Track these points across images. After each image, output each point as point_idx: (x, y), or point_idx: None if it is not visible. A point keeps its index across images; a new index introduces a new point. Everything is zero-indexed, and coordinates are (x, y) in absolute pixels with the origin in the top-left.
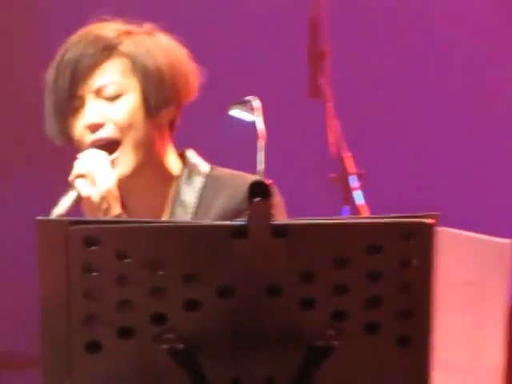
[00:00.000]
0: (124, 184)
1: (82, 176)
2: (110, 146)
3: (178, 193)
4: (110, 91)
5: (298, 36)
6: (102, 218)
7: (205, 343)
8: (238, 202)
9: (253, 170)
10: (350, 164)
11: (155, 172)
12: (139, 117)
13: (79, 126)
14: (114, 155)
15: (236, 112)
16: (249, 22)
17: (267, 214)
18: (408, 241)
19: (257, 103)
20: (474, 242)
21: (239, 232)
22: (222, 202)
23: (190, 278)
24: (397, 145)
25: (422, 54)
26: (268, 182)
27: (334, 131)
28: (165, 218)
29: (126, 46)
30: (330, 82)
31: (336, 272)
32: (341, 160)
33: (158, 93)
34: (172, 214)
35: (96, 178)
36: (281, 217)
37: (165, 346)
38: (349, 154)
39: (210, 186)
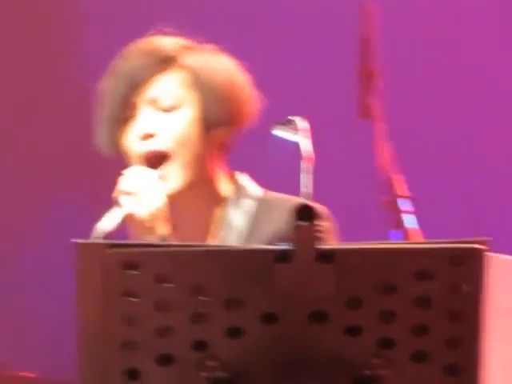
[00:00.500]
0: (171, 201)
1: (127, 193)
2: (159, 158)
3: (226, 215)
4: (165, 102)
5: (347, 54)
6: (145, 238)
7: (247, 371)
8: (290, 226)
9: (296, 193)
10: (400, 187)
11: (204, 191)
12: (193, 132)
13: (131, 135)
14: (163, 169)
15: (279, 132)
16: (298, 39)
17: (312, 238)
18: (458, 267)
19: (301, 123)
20: None
21: (284, 256)
22: (274, 226)
23: (232, 304)
24: (450, 168)
25: (478, 77)
26: (319, 206)
27: (384, 153)
28: (212, 240)
29: (187, 59)
30: (380, 103)
31: (383, 298)
32: (391, 183)
33: (216, 110)
34: (220, 236)
35: (142, 195)
36: (332, 242)
37: (205, 374)
38: (400, 177)
39: (262, 209)
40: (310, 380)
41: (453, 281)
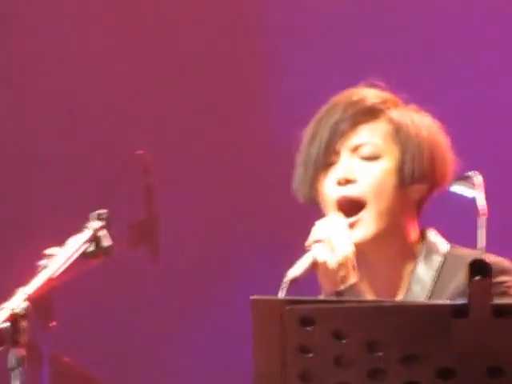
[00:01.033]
0: (361, 250)
1: (318, 240)
2: (354, 206)
3: (415, 270)
4: (367, 151)
5: None
6: (333, 287)
7: None
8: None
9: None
10: None
11: (395, 244)
12: (391, 184)
13: (329, 180)
14: (357, 216)
15: (457, 188)
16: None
17: (488, 293)
18: None
19: (478, 179)
20: None
21: (460, 312)
22: (458, 281)
23: (408, 359)
24: None
25: None
26: (505, 261)
27: None
28: (401, 294)
29: (393, 113)
30: None
31: None
32: None
33: (415, 166)
34: (409, 290)
35: (335, 244)
36: None
37: None
38: None
39: (449, 264)
40: None
41: None
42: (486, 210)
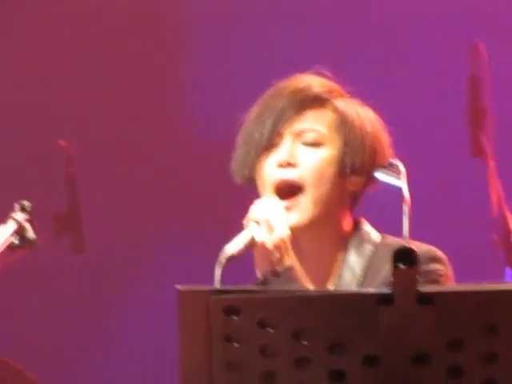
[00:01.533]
0: (295, 235)
1: (256, 221)
2: (292, 190)
3: (347, 257)
4: (310, 137)
5: (457, 93)
6: (268, 268)
7: None
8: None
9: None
10: None
11: (329, 232)
12: (330, 172)
13: (270, 162)
14: (294, 200)
15: (381, 175)
16: (407, 80)
17: (413, 281)
18: None
19: (402, 167)
20: None
21: (385, 300)
22: (387, 270)
23: (334, 348)
24: None
25: None
26: (436, 249)
27: (495, 191)
28: (332, 281)
29: (339, 103)
30: (491, 140)
31: (485, 340)
32: (503, 220)
33: (356, 157)
34: (340, 278)
35: (273, 225)
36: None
37: None
38: (511, 215)
39: (380, 253)
40: None
41: None
42: (409, 198)
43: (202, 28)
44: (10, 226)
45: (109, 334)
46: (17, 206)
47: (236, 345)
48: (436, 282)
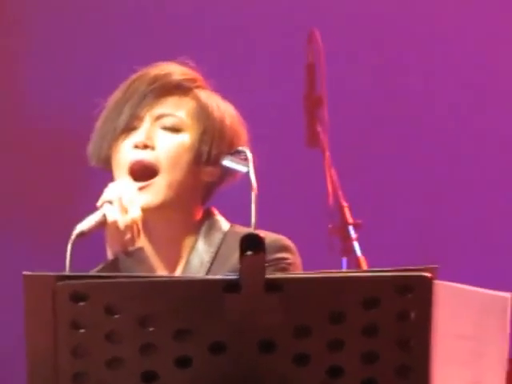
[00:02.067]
0: (146, 217)
1: (108, 201)
2: (146, 172)
3: (196, 244)
4: (169, 122)
5: (295, 82)
6: (119, 248)
7: None
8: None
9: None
10: (348, 214)
11: (180, 217)
12: (186, 158)
13: (127, 143)
14: (148, 182)
15: (228, 162)
16: (245, 67)
17: (260, 268)
18: (406, 294)
19: (249, 153)
20: (473, 296)
21: (232, 286)
22: (235, 258)
23: (181, 334)
24: (395, 195)
25: (422, 101)
26: (284, 238)
27: (331, 180)
28: (180, 266)
29: (201, 93)
30: (326, 130)
31: (331, 327)
32: (340, 210)
33: (213, 148)
34: (188, 263)
35: (125, 206)
36: None
37: None
38: (346, 204)
39: (228, 241)
40: None
41: (401, 309)
42: (255, 185)
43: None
44: None
45: None
46: None
47: (82, 331)
48: (285, 270)
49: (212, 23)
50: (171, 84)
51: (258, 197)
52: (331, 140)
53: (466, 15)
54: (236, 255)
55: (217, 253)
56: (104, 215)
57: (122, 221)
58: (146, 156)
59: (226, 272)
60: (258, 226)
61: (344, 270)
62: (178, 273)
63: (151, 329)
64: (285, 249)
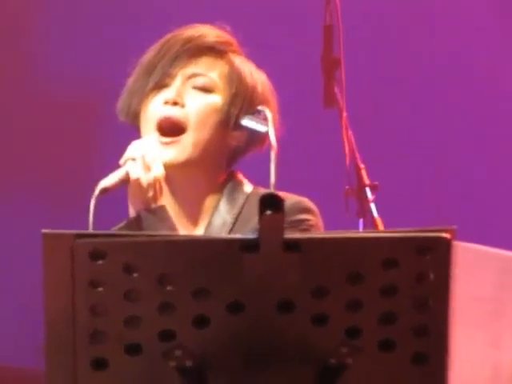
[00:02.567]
0: (170, 174)
1: (132, 158)
2: (174, 128)
3: (219, 205)
4: (201, 81)
5: (312, 44)
6: (141, 206)
7: (214, 360)
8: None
9: (266, 182)
10: (365, 176)
11: (204, 176)
12: (214, 119)
13: (157, 99)
14: (175, 138)
15: (248, 122)
16: (261, 29)
17: (279, 228)
18: (424, 255)
19: (268, 113)
20: (493, 257)
21: (250, 246)
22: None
23: (199, 294)
24: (413, 156)
25: (440, 64)
26: (306, 200)
27: (348, 142)
28: (202, 225)
29: (235, 58)
30: (343, 91)
31: (350, 287)
32: (357, 171)
33: (243, 111)
34: (210, 223)
35: (149, 163)
36: None
37: (173, 364)
38: (363, 166)
39: (251, 202)
40: (277, 369)
41: (420, 270)
42: (275, 144)
43: None
44: None
45: None
46: None
47: (100, 289)
48: (306, 231)
49: None
50: (205, 45)
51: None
52: (348, 102)
53: None
54: (257, 217)
55: (239, 213)
56: (127, 172)
57: (145, 178)
58: (174, 113)
59: (247, 233)
60: (277, 187)
61: (362, 230)
62: (200, 232)
63: (169, 288)
64: (307, 210)
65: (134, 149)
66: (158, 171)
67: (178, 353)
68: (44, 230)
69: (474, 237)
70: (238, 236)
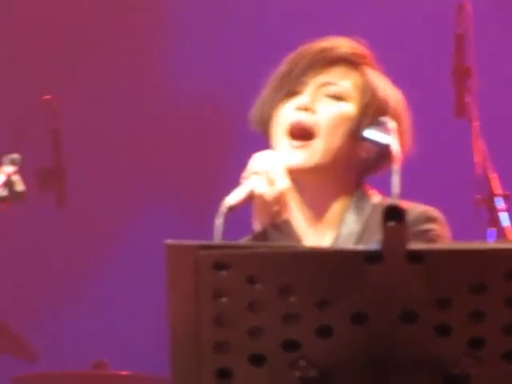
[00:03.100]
0: (296, 179)
1: (255, 173)
2: (304, 133)
3: (345, 215)
4: (334, 90)
5: (442, 53)
6: (266, 221)
7: (338, 371)
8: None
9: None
10: (495, 185)
11: (333, 183)
12: (346, 128)
13: (289, 105)
14: (305, 142)
15: (370, 133)
16: (393, 39)
17: (402, 238)
18: None
19: (392, 124)
20: None
21: (373, 257)
22: None
23: (322, 304)
24: None
25: None
26: (432, 209)
27: (479, 151)
28: (328, 234)
29: (369, 71)
30: (475, 101)
31: (473, 298)
32: (487, 181)
33: (375, 122)
34: (338, 234)
35: (273, 177)
36: None
37: (297, 374)
38: (494, 175)
39: (378, 213)
40: (400, 379)
41: None
42: (399, 156)
43: None
44: None
45: (95, 290)
46: (6, 159)
47: (224, 300)
48: (432, 241)
49: None
50: (339, 55)
51: (406, 166)
52: (481, 111)
53: None
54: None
55: (366, 224)
56: (252, 188)
57: (270, 193)
58: (306, 118)
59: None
60: (405, 195)
61: (488, 241)
62: (326, 240)
63: (292, 299)
64: (433, 220)
65: (256, 162)
66: (283, 185)
67: (302, 363)
68: (168, 241)
69: None
70: (361, 247)
